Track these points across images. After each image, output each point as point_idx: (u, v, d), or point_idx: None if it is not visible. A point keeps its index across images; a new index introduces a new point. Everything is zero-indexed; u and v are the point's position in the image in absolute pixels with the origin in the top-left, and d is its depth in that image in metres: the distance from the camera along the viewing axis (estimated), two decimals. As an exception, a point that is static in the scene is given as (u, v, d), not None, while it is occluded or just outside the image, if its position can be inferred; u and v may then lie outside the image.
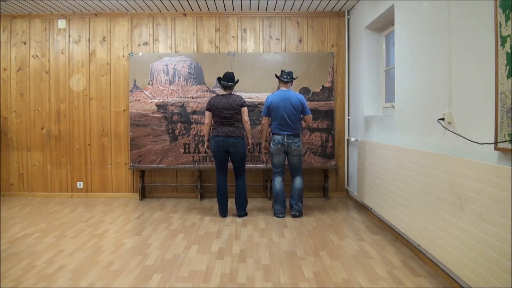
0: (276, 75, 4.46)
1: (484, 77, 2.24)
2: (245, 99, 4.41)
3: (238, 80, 4.45)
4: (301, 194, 4.39)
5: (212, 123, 4.38)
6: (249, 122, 4.33)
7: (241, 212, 4.40)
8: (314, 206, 4.95)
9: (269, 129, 4.50)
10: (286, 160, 4.43)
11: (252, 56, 5.33)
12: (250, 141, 4.43)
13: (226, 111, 4.22)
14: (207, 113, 4.34)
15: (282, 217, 4.35)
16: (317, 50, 5.45)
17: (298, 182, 4.39)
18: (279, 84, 4.44)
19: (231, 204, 4.69)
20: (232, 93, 4.37)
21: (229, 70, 4.83)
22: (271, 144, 4.37)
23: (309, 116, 4.42)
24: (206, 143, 4.45)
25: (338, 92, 5.47)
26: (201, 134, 5.27)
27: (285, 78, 4.35)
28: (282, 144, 4.28)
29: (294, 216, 4.36)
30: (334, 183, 5.54)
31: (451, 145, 2.64)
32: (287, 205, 4.51)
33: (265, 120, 4.42)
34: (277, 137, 4.31)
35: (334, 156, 5.33)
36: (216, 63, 5.29)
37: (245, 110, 4.29)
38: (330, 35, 5.47)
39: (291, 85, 4.46)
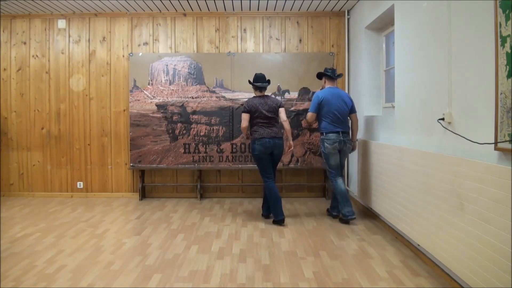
0: (320, 73, 4.36)
1: (484, 77, 2.24)
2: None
3: (269, 80, 4.35)
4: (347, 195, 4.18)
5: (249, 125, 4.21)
6: (288, 121, 4.26)
7: (282, 216, 4.09)
8: (314, 206, 4.95)
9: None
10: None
11: (252, 56, 5.33)
12: (291, 142, 4.23)
13: (267, 112, 4.14)
14: (245, 115, 4.14)
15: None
16: (317, 50, 5.45)
17: (342, 183, 4.20)
18: (325, 82, 4.35)
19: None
20: (266, 94, 4.32)
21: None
22: (327, 144, 4.17)
23: (356, 114, 4.37)
24: (247, 137, 4.30)
25: (338, 92, 5.46)
26: (201, 134, 5.27)
27: (332, 74, 4.28)
28: (339, 142, 4.15)
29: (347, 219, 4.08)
30: (334, 183, 5.54)
31: (451, 145, 2.64)
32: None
33: (312, 115, 4.24)
34: (332, 136, 4.14)
35: (334, 156, 5.32)
36: (216, 63, 5.29)
37: (282, 110, 4.23)
38: (330, 35, 5.47)
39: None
